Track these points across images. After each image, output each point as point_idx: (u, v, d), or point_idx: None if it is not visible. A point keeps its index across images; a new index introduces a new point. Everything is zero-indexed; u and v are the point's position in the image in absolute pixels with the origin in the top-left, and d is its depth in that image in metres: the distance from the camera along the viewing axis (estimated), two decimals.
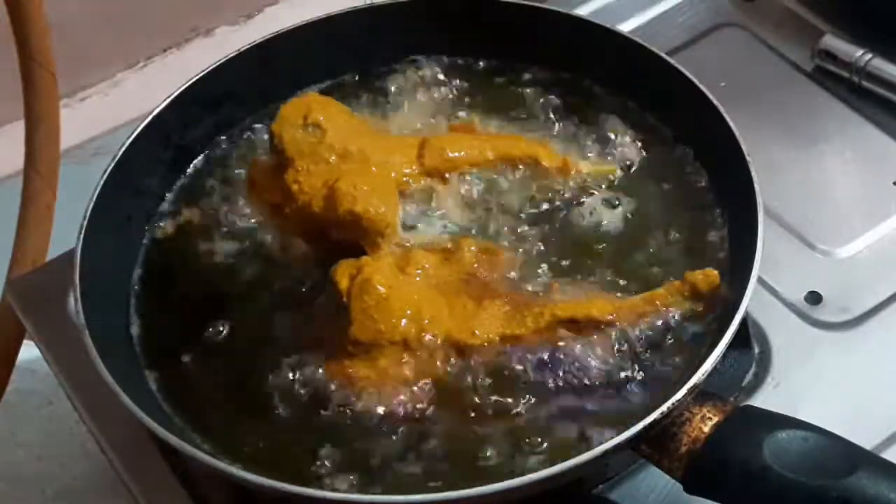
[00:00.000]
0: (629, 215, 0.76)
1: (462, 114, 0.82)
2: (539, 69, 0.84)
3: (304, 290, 0.73)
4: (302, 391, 0.68)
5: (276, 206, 0.74)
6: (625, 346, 0.68)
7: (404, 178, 0.75)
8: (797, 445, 0.61)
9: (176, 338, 0.72)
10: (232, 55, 0.81)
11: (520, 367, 0.68)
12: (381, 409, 0.67)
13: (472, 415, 0.67)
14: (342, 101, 0.80)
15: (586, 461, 0.61)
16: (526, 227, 0.75)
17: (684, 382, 0.63)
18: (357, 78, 0.85)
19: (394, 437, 0.66)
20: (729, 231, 0.74)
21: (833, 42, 0.93)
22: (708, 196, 0.76)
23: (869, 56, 0.91)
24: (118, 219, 0.76)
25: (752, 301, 0.66)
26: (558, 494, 0.65)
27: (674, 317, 0.69)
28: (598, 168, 0.78)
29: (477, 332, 0.68)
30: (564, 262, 0.73)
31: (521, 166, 0.77)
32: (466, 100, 0.83)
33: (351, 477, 0.65)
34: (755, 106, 0.90)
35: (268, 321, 0.72)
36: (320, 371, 0.68)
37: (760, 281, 0.76)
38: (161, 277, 0.76)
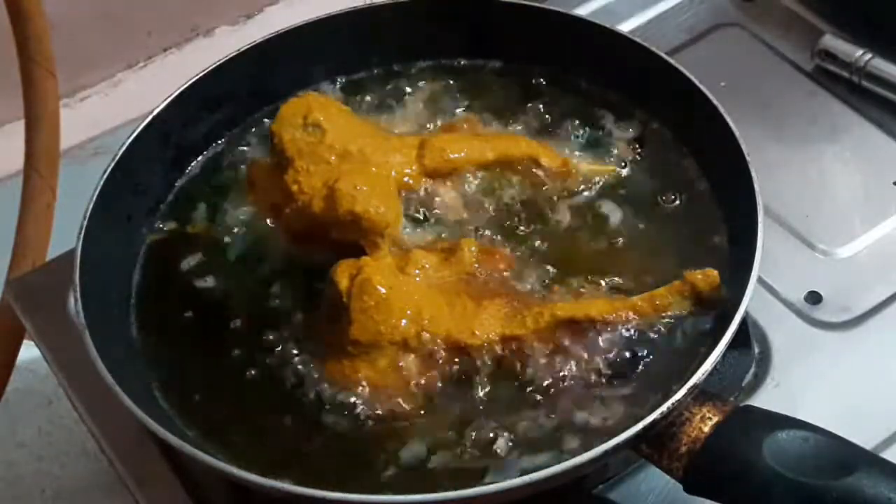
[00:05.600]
0: (629, 215, 0.76)
1: (461, 113, 0.82)
2: (539, 69, 0.84)
3: (304, 290, 0.73)
4: (302, 391, 0.68)
5: (276, 206, 0.74)
6: (624, 347, 0.68)
7: (404, 179, 0.75)
8: (797, 445, 0.61)
9: (176, 338, 0.73)
10: (232, 55, 0.81)
11: (519, 368, 0.68)
12: (381, 410, 0.67)
13: (472, 415, 0.67)
14: (342, 102, 0.80)
15: (586, 461, 0.61)
16: (526, 228, 0.75)
17: (684, 382, 0.63)
18: (357, 78, 0.85)
19: (394, 438, 0.66)
20: (729, 231, 0.74)
21: (833, 42, 0.93)
22: (708, 196, 0.76)
23: (869, 56, 0.91)
24: (118, 219, 0.76)
25: (752, 301, 0.66)
26: (558, 494, 0.65)
27: (674, 317, 0.69)
28: (597, 168, 0.78)
29: (477, 332, 0.68)
30: (564, 263, 0.73)
31: (521, 166, 0.77)
32: (466, 100, 0.83)
33: (351, 476, 0.65)
34: (755, 106, 0.90)
35: (268, 321, 0.72)
36: (321, 371, 0.68)
37: (760, 281, 0.76)
38: (161, 277, 0.76)
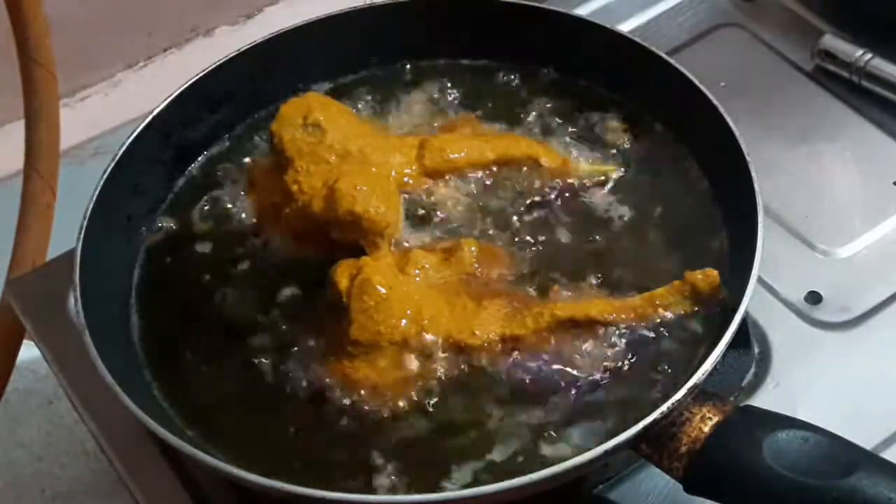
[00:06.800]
0: (628, 215, 0.76)
1: (461, 113, 0.82)
2: (539, 69, 0.84)
3: (304, 290, 0.73)
4: (302, 391, 0.68)
5: (276, 206, 0.74)
6: (624, 347, 0.68)
7: (404, 179, 0.75)
8: (797, 445, 0.61)
9: (176, 337, 0.73)
10: (232, 55, 0.81)
11: (519, 368, 0.68)
12: (381, 410, 0.67)
13: (472, 415, 0.67)
14: (342, 102, 0.80)
15: (586, 461, 0.61)
16: (526, 228, 0.75)
17: (684, 382, 0.63)
18: (357, 78, 0.85)
19: (393, 438, 0.66)
20: (729, 231, 0.74)
21: (833, 42, 0.93)
22: (708, 196, 0.76)
23: (869, 56, 0.91)
24: (118, 219, 0.76)
25: (752, 301, 0.66)
26: (558, 494, 0.65)
27: (674, 317, 0.69)
28: (597, 168, 0.78)
29: (477, 332, 0.68)
30: (564, 262, 0.73)
31: (521, 166, 0.77)
32: (466, 100, 0.83)
33: (351, 476, 0.65)
34: (755, 106, 0.90)
35: (268, 321, 0.72)
36: (320, 371, 0.68)
37: (760, 281, 0.76)
38: (161, 277, 0.76)
